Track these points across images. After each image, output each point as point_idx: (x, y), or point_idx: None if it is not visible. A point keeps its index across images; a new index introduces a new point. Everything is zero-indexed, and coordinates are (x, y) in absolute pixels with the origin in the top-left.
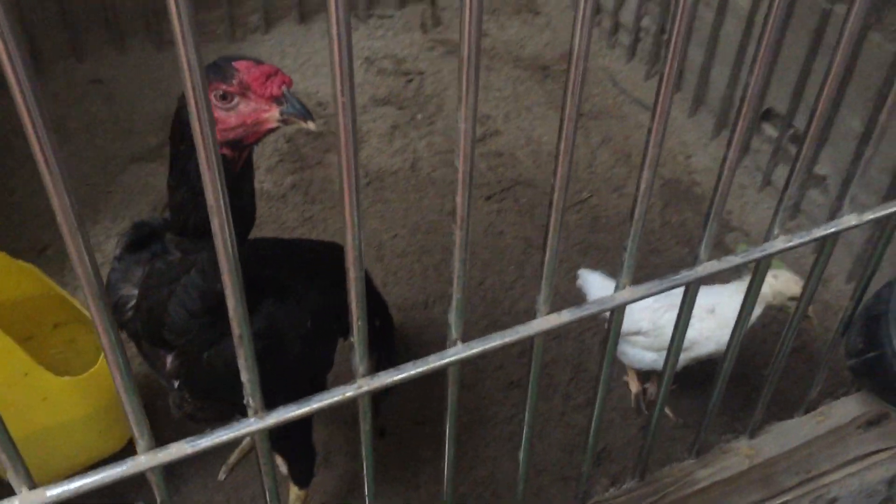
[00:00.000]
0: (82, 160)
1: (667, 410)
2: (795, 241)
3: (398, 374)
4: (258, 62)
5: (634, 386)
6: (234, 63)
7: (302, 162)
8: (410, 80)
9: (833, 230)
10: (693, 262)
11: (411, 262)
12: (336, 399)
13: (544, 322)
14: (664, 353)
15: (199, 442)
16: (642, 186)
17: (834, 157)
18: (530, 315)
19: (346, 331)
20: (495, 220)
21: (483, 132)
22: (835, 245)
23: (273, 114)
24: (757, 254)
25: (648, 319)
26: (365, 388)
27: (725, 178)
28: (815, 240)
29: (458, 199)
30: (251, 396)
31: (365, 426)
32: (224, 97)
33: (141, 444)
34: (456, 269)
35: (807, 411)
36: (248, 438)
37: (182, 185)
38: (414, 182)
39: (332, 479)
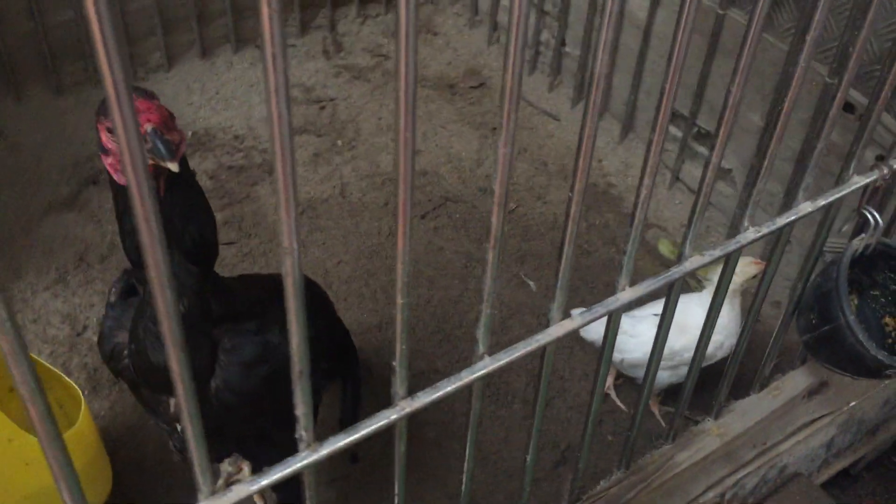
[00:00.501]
0: None
1: (655, 411)
2: (764, 231)
3: (435, 393)
4: (138, 97)
5: (657, 408)
6: None
7: (229, 198)
8: (323, 108)
9: (794, 217)
10: (679, 259)
11: (359, 287)
12: (382, 423)
13: (559, 328)
14: (676, 372)
15: (259, 480)
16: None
17: (738, 151)
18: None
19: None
20: (433, 238)
21: None
22: (791, 231)
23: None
24: (732, 246)
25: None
26: (407, 410)
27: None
28: (779, 228)
29: (494, 221)
30: (304, 430)
31: (401, 448)
32: (109, 130)
33: (204, 490)
34: (487, 286)
35: (761, 388)
36: (221, 481)
37: (117, 212)
38: (347, 208)
39: None
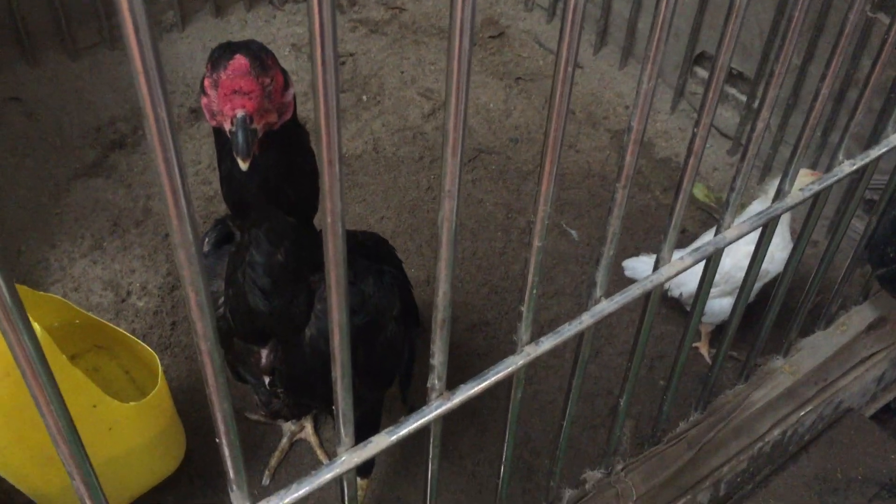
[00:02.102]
0: (16, 184)
1: (705, 353)
2: (859, 163)
3: (558, 338)
4: (248, 71)
5: (706, 350)
6: (233, 57)
7: None
8: (343, 63)
9: (885, 149)
10: (777, 195)
11: (405, 242)
12: (510, 370)
13: (671, 268)
14: (734, 296)
15: (397, 430)
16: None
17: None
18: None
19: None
20: (472, 190)
21: (432, 106)
22: (875, 168)
23: (225, 125)
24: (830, 180)
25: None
26: (532, 355)
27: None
28: (873, 160)
29: (628, 158)
30: (438, 378)
31: (517, 395)
32: (210, 83)
33: (345, 442)
34: (612, 228)
35: (827, 325)
36: (285, 439)
37: (218, 157)
38: (383, 163)
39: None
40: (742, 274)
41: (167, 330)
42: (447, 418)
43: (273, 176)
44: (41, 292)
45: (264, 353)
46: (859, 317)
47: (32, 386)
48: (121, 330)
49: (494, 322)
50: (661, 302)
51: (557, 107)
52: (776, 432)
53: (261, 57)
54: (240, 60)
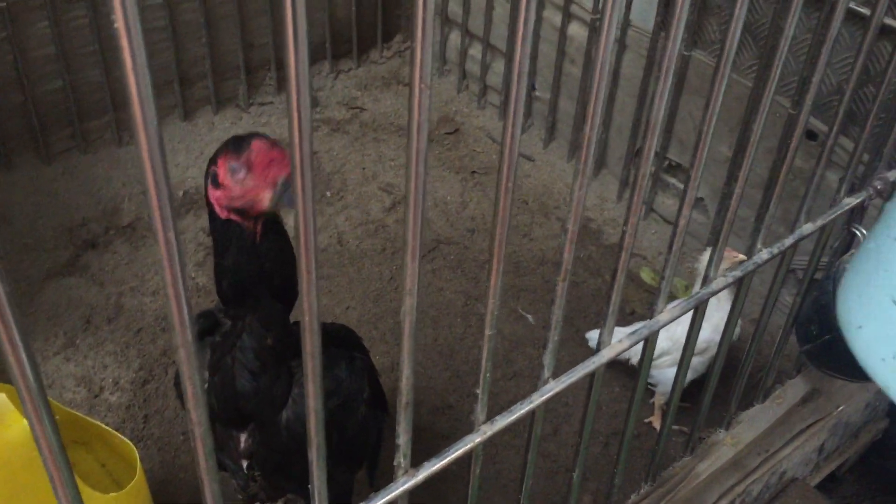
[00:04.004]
0: None
1: (657, 427)
2: (776, 251)
3: (511, 416)
4: (273, 146)
5: (658, 423)
6: (252, 140)
7: None
8: None
9: (798, 237)
10: (704, 281)
11: (369, 331)
12: (468, 447)
13: (611, 351)
14: (692, 368)
15: None
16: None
17: (709, 181)
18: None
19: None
20: (433, 279)
21: (393, 200)
22: (795, 251)
23: (266, 196)
24: (750, 267)
25: (665, 338)
26: (488, 433)
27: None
28: (786, 249)
29: (565, 255)
30: (403, 456)
31: (476, 470)
32: (233, 169)
33: None
34: (554, 316)
35: (764, 398)
36: None
37: (216, 250)
38: (347, 256)
39: None
40: (702, 345)
41: (140, 423)
42: (415, 497)
43: (269, 262)
44: None
45: (243, 437)
46: (794, 390)
47: (51, 470)
48: (98, 423)
49: (457, 405)
50: (618, 378)
51: (503, 201)
52: (724, 503)
53: (270, 138)
54: (260, 141)
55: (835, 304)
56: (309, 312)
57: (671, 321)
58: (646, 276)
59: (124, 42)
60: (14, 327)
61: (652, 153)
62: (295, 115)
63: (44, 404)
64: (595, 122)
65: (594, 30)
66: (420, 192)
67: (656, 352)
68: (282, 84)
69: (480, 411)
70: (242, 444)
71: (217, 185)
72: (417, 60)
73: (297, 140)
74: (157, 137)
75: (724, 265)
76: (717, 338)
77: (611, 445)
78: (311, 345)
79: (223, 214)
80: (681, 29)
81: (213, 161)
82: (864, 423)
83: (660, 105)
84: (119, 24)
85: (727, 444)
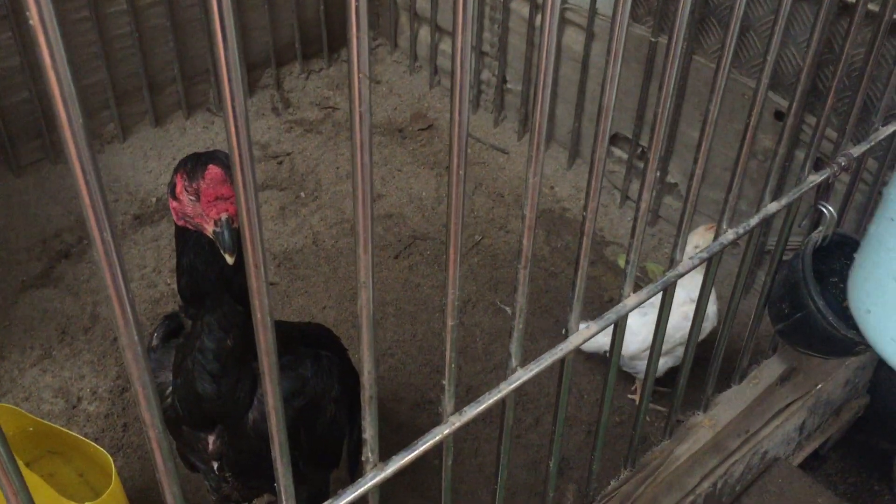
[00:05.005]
0: None
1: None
2: (741, 231)
3: (479, 406)
4: (225, 180)
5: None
6: (209, 166)
7: None
8: (281, 163)
9: (763, 216)
10: (670, 265)
11: (347, 330)
12: (436, 439)
13: (578, 337)
14: (673, 355)
15: (337, 501)
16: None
17: (681, 167)
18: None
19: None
20: (409, 276)
21: None
22: (764, 231)
23: (208, 228)
24: (716, 248)
25: (648, 331)
26: (456, 424)
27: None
28: (752, 228)
29: (524, 242)
30: (371, 451)
31: (448, 461)
32: (186, 189)
33: None
34: (518, 304)
35: (741, 379)
36: None
37: (176, 249)
38: (323, 255)
39: None
40: (677, 333)
41: (119, 432)
42: (388, 491)
43: (227, 266)
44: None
45: (211, 438)
46: (770, 370)
47: (4, 486)
48: (73, 434)
49: (437, 400)
50: (599, 368)
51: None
52: (706, 485)
53: (229, 165)
54: (214, 170)
55: (805, 280)
56: (260, 310)
57: (637, 305)
58: (621, 262)
59: (41, 38)
60: None
61: (606, 137)
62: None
63: None
64: (544, 108)
65: (563, 19)
66: (367, 182)
67: (640, 346)
68: (252, 86)
69: (448, 402)
70: (211, 446)
71: (174, 196)
72: (354, 50)
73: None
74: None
75: (703, 243)
76: (705, 323)
77: (593, 434)
78: (265, 341)
79: (179, 222)
80: (626, 11)
81: (176, 170)
82: (844, 400)
83: (611, 90)
84: (34, 21)
85: (705, 426)
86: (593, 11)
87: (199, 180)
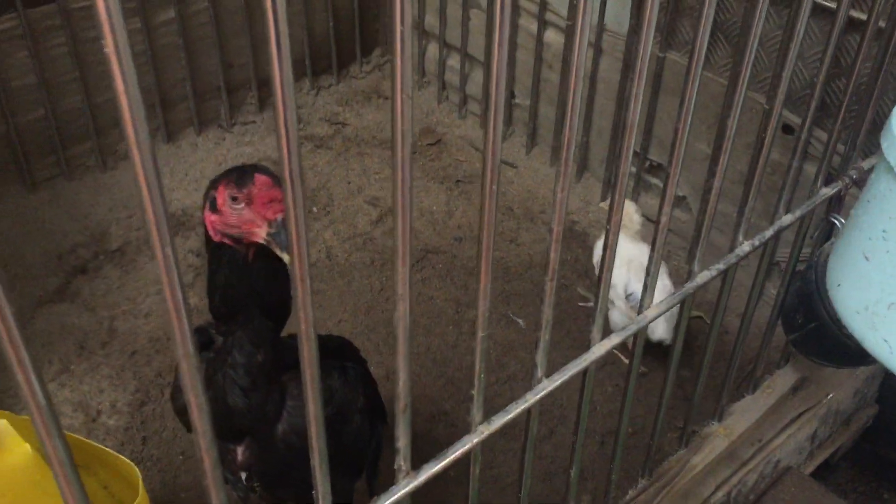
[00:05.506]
0: None
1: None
2: (757, 242)
3: (507, 416)
4: (275, 184)
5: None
6: (255, 174)
7: None
8: None
9: (778, 228)
10: (688, 276)
11: (363, 342)
12: (466, 448)
13: (601, 348)
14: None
15: None
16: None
17: (690, 180)
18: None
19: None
20: (423, 289)
21: (379, 213)
22: (777, 243)
23: (261, 231)
24: (732, 259)
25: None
26: (485, 434)
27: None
28: (767, 239)
29: (551, 255)
30: (403, 459)
31: (475, 470)
32: (234, 198)
33: None
34: (545, 316)
35: (754, 388)
36: None
37: (209, 267)
38: (337, 269)
39: None
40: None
41: (138, 445)
42: (416, 502)
43: (260, 282)
44: (20, 416)
45: (240, 450)
46: (783, 379)
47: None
48: (99, 445)
49: (452, 412)
50: (611, 378)
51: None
52: (720, 494)
53: (273, 173)
54: (263, 177)
55: (818, 291)
56: (305, 321)
57: (658, 316)
58: None
59: (115, 67)
60: (22, 347)
61: (630, 153)
62: (283, 131)
63: (54, 422)
64: (574, 125)
65: (570, 35)
66: (407, 198)
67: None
68: (262, 103)
69: (477, 411)
70: (240, 457)
71: (215, 209)
72: (398, 71)
73: (286, 157)
74: (150, 155)
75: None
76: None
77: (607, 444)
78: (308, 352)
79: (216, 238)
80: (651, 30)
81: (213, 185)
82: (854, 410)
83: (636, 106)
84: (109, 48)
85: (720, 435)
86: (601, 27)
87: (250, 186)
